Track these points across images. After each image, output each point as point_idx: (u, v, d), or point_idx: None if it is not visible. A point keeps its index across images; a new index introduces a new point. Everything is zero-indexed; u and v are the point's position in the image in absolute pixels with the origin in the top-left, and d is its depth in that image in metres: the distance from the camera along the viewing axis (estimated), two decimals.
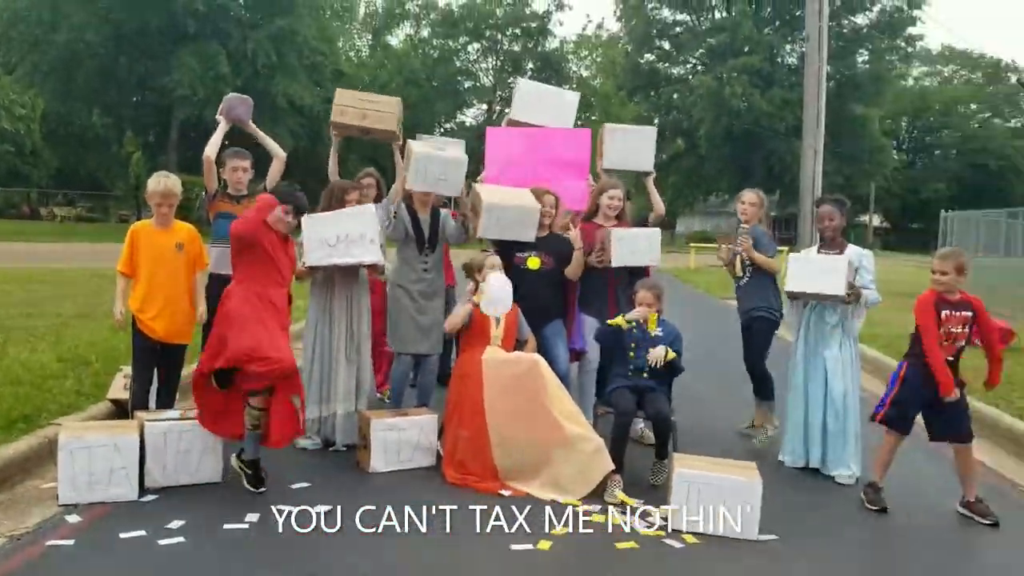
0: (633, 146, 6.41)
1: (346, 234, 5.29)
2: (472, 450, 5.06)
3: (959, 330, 4.85)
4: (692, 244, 34.19)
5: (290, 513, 4.46)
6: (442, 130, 45.82)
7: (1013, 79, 58.02)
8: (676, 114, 49.99)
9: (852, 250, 5.65)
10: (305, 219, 5.25)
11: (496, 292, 5.30)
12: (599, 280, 5.96)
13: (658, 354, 5.24)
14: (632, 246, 5.83)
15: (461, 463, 5.09)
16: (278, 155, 6.19)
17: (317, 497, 4.72)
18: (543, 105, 6.72)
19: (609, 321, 5.40)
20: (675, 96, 49.36)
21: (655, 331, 5.36)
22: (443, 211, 6.15)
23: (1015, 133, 58.01)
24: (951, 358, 4.86)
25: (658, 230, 6.03)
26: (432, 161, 5.68)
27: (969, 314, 4.86)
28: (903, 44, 49.42)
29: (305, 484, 4.94)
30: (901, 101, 58.16)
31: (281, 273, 4.87)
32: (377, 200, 6.50)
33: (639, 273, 5.92)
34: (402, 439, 5.29)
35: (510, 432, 5.01)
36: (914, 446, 5.25)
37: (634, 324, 5.36)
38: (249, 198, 5.95)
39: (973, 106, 61.15)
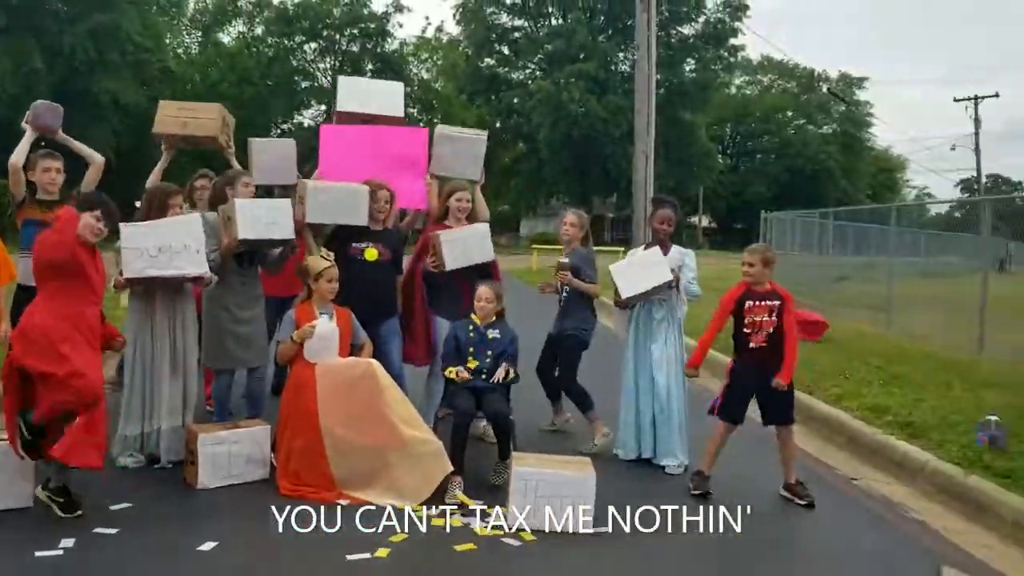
0: (463, 153, 6.35)
1: (169, 244, 5.04)
2: (307, 460, 4.93)
3: (765, 318, 5.16)
4: (535, 246, 34.77)
5: (110, 536, 4.19)
6: (278, 131, 44.51)
7: (825, 88, 62.54)
8: (517, 118, 50.70)
9: (676, 250, 5.96)
10: (124, 228, 4.96)
11: (320, 342, 5.16)
12: (446, 280, 5.94)
13: (499, 375, 5.25)
14: (463, 246, 5.83)
15: (296, 474, 4.95)
16: (95, 161, 5.90)
17: (141, 518, 4.47)
18: (368, 95, 6.60)
19: (448, 373, 5.31)
20: (515, 100, 50.09)
21: (492, 334, 5.39)
22: None
23: (826, 139, 62.47)
24: (763, 344, 5.17)
25: (485, 226, 6.04)
26: (258, 207, 5.48)
27: (776, 303, 5.18)
28: (726, 54, 52.26)
29: (127, 505, 4.66)
30: (725, 108, 61.52)
31: (94, 290, 4.50)
32: (212, 204, 6.24)
33: (486, 271, 5.95)
34: (233, 453, 5.08)
35: (346, 439, 4.91)
36: (745, 436, 5.51)
37: (471, 327, 5.39)
38: (60, 204, 5.56)
39: (789, 113, 65.41)
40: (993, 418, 5.97)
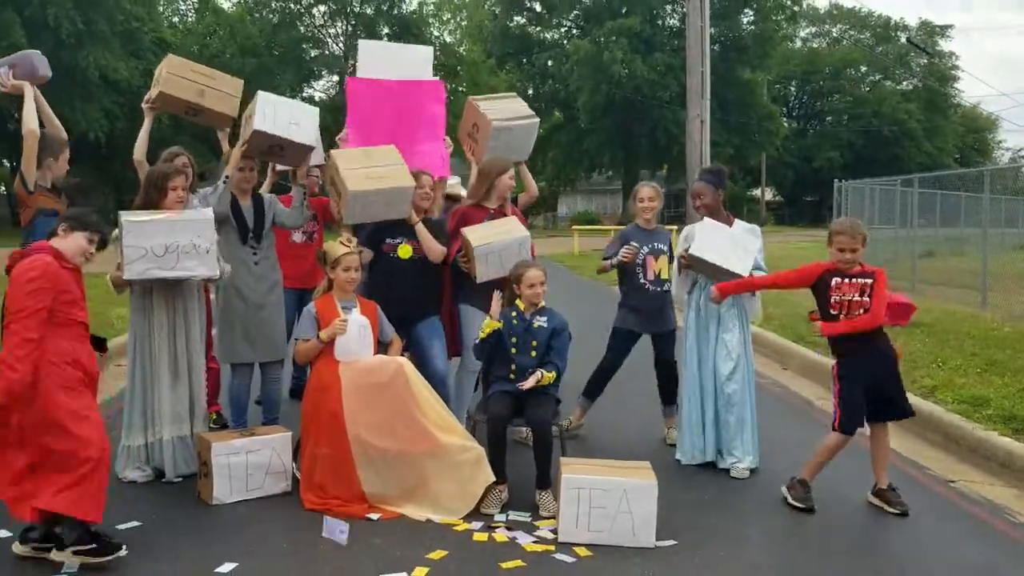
0: (517, 142, 6.37)
1: (176, 244, 5.09)
2: (334, 470, 4.97)
3: (855, 297, 5.05)
4: (576, 227, 34.67)
5: (119, 559, 4.25)
6: None
7: (903, 38, 61.53)
8: (552, 83, 50.62)
9: (739, 226, 5.90)
10: (125, 221, 5.03)
11: (352, 339, 5.19)
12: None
13: (529, 383, 5.13)
14: (500, 259, 5.68)
15: (321, 486, 4.99)
16: (32, 130, 5.39)
17: (152, 538, 4.53)
18: (393, 62, 6.59)
19: (483, 330, 5.29)
20: (550, 63, 49.99)
21: (539, 322, 5.35)
22: (267, 196, 6.11)
23: (906, 97, 61.54)
24: None
25: (526, 232, 5.91)
26: (281, 105, 5.65)
27: (868, 281, 5.07)
28: (789, 2, 51.60)
29: (136, 524, 4.72)
30: (789, 64, 60.83)
31: (83, 321, 4.32)
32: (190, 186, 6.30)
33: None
34: (251, 463, 5.13)
35: (376, 447, 4.94)
36: (820, 433, 5.45)
37: (515, 315, 5.34)
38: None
39: (863, 68, 64.52)
40: None
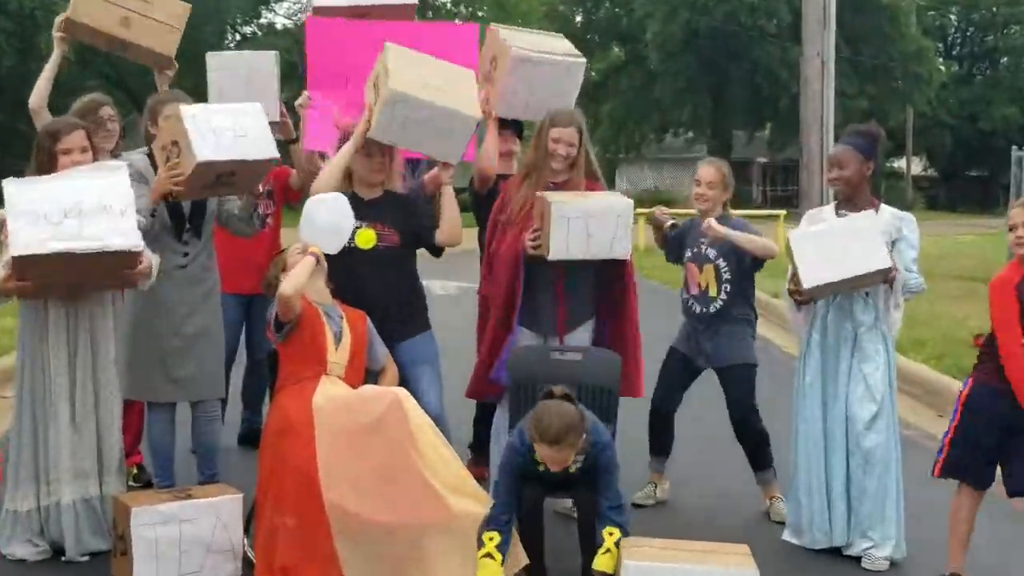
0: (548, 87, 6.34)
1: (78, 205, 5.05)
2: (302, 547, 4.95)
3: None
4: (642, 210, 34.62)
5: None
6: (239, 36, 45.20)
7: None
8: (610, 8, 50.68)
9: (886, 213, 5.84)
10: (8, 183, 5.03)
11: (322, 214, 5.33)
12: (541, 273, 5.91)
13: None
14: (586, 229, 5.65)
15: (285, 569, 4.97)
16: None
17: None
18: None
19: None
20: None
21: (574, 467, 5.12)
22: None
23: None
24: None
25: (627, 201, 5.92)
26: (215, 115, 5.49)
27: None
28: None
29: None
30: None
31: None
32: (114, 150, 6.34)
33: (598, 269, 5.94)
34: (185, 537, 5.13)
35: (363, 517, 4.90)
36: (999, 506, 5.39)
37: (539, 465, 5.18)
38: None
39: None
40: None
